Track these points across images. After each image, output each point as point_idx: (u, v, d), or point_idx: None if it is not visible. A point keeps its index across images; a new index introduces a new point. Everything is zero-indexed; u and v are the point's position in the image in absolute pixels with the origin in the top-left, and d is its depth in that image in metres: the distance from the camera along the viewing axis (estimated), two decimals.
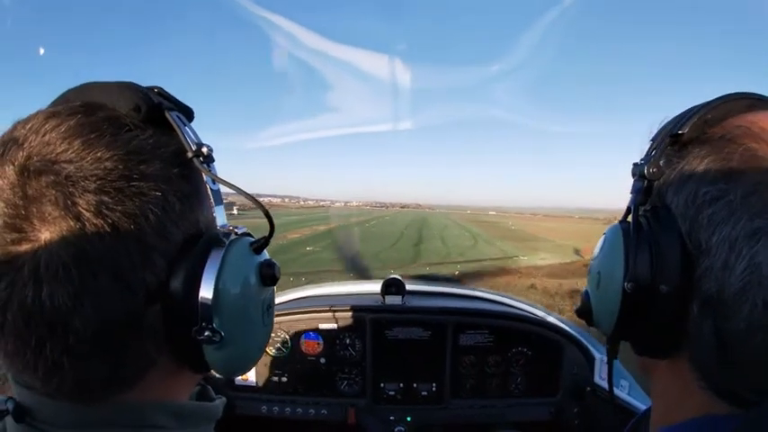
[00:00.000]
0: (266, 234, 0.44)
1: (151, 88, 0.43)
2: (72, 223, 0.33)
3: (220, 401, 0.49)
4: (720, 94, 0.42)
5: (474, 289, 1.75)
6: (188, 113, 0.45)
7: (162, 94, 0.43)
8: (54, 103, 0.41)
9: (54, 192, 0.33)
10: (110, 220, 0.34)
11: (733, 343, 0.34)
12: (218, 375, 0.46)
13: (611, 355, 0.48)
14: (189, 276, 0.38)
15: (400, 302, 1.47)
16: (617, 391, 1.39)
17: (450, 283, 1.93)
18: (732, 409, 0.36)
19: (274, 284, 0.45)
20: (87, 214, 0.33)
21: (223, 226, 0.43)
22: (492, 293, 1.69)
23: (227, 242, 0.41)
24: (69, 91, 0.42)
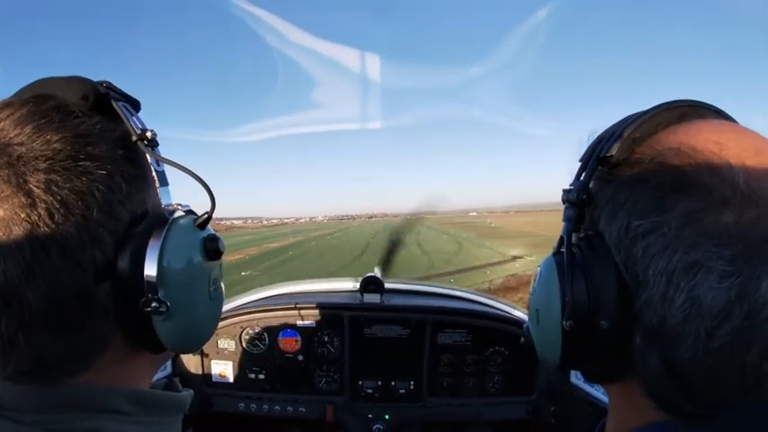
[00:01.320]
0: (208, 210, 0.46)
1: (100, 82, 0.45)
2: (24, 199, 0.35)
3: (188, 393, 0.50)
4: (679, 98, 0.41)
5: (453, 288, 1.75)
6: (134, 104, 0.47)
7: (109, 87, 0.46)
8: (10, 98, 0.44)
9: (7, 171, 0.35)
10: (59, 197, 0.36)
11: (681, 370, 0.33)
12: (174, 353, 0.46)
13: (562, 378, 0.47)
14: (134, 252, 0.40)
15: (379, 300, 1.47)
16: (593, 390, 1.40)
17: (429, 282, 1.93)
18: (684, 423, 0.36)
19: (218, 258, 0.47)
20: (38, 191, 0.35)
21: (168, 204, 0.46)
22: (470, 293, 1.69)
23: (170, 219, 0.43)
24: (24, 87, 0.44)
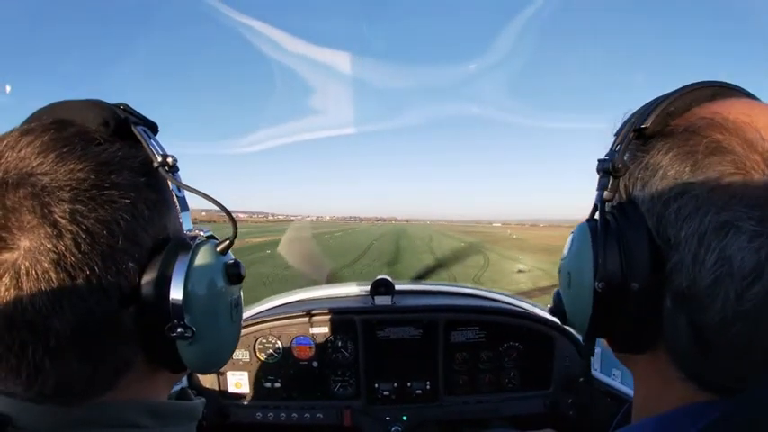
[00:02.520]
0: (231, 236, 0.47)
1: (117, 105, 0.46)
2: (49, 230, 0.35)
3: (200, 401, 0.51)
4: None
5: (463, 286, 1.75)
6: (153, 127, 0.48)
7: (128, 110, 0.46)
8: (27, 122, 0.44)
9: (31, 202, 0.36)
10: (84, 227, 0.36)
11: (709, 335, 0.34)
12: (200, 376, 0.48)
13: (587, 353, 0.48)
14: (159, 279, 0.40)
15: (390, 302, 1.47)
16: (611, 381, 1.39)
17: (439, 282, 1.94)
18: (713, 397, 0.36)
19: (240, 282, 0.48)
20: (63, 221, 0.36)
21: (189, 230, 0.47)
22: (481, 290, 1.69)
23: (193, 245, 0.44)
24: (41, 110, 0.45)
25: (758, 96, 0.42)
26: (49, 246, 0.35)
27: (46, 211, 0.36)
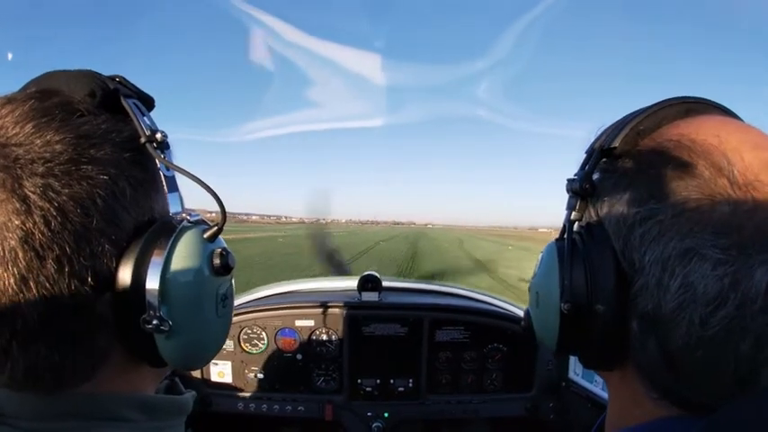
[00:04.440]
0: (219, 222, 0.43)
1: (112, 77, 0.43)
2: (18, 205, 0.33)
3: (190, 395, 0.49)
4: (680, 95, 0.41)
5: (451, 286, 1.76)
6: (148, 102, 0.45)
7: (122, 82, 0.43)
8: (18, 91, 0.41)
9: (2, 174, 0.34)
10: (56, 204, 0.34)
11: (676, 357, 0.34)
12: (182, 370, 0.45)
13: (560, 363, 0.47)
14: (136, 264, 0.37)
15: (377, 299, 1.47)
16: (591, 386, 1.40)
17: (427, 280, 1.94)
18: (685, 413, 0.36)
19: (227, 274, 0.43)
20: (33, 197, 0.34)
21: (177, 212, 0.43)
22: (468, 290, 1.70)
23: (177, 228, 0.40)
24: (32, 80, 0.42)
25: (736, 112, 0.41)
26: (17, 222, 0.33)
27: (16, 185, 0.33)
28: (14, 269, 0.33)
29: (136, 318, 0.38)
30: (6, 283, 0.33)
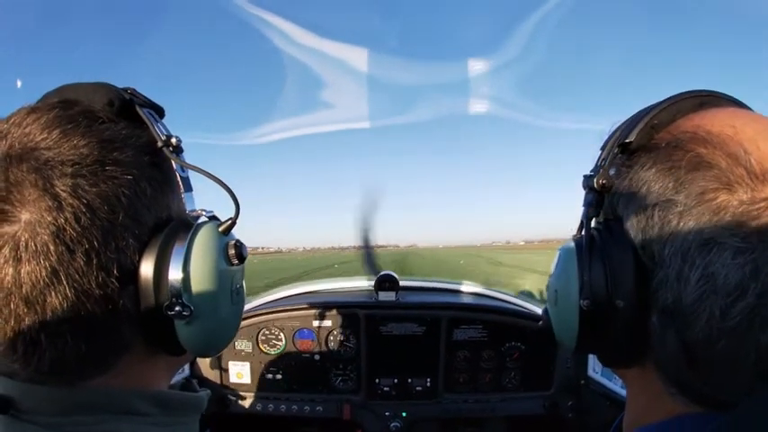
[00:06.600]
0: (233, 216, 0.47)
1: (125, 89, 0.46)
2: (50, 203, 0.36)
3: (205, 393, 0.51)
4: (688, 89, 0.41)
5: (468, 284, 1.75)
6: (159, 110, 0.48)
7: (134, 93, 0.46)
8: (36, 103, 0.44)
9: (34, 176, 0.36)
10: (85, 201, 0.37)
11: (696, 350, 0.33)
12: (197, 357, 0.47)
13: (579, 361, 0.47)
14: (159, 257, 0.40)
15: (394, 298, 1.47)
16: (610, 384, 1.40)
17: (444, 279, 1.94)
18: (704, 410, 0.36)
19: (242, 263, 0.47)
20: (64, 195, 0.36)
21: (192, 210, 0.47)
22: (486, 289, 1.69)
23: (195, 224, 0.44)
24: (48, 92, 0.45)
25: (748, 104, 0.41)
26: (50, 219, 0.35)
27: (48, 184, 0.36)
28: (46, 262, 0.35)
29: (158, 306, 0.40)
30: (38, 275, 0.35)
